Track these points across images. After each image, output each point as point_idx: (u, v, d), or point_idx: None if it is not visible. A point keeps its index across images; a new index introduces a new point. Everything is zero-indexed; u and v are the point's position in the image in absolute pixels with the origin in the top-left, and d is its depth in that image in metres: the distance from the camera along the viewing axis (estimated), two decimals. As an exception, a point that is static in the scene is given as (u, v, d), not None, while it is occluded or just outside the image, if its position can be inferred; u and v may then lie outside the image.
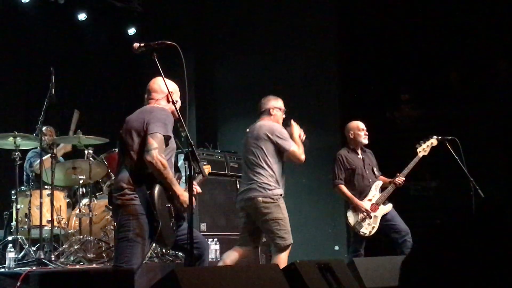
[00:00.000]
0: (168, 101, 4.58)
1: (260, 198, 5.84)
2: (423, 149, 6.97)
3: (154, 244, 6.24)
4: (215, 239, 7.50)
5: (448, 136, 7.07)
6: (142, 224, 4.19)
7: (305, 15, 10.23)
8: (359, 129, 7.15)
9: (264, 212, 5.83)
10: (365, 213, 6.85)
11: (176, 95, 4.67)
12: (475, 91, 8.69)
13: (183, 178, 4.92)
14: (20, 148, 6.68)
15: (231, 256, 5.93)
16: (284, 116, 6.24)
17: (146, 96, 4.72)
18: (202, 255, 4.55)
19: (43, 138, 6.77)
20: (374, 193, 6.98)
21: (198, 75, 11.19)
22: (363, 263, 4.64)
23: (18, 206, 6.75)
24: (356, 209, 6.91)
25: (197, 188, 4.79)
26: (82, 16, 10.13)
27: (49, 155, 6.81)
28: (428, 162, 7.29)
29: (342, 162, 7.14)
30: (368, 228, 6.86)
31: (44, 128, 7.35)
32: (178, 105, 4.56)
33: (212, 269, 3.80)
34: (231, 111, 11.24)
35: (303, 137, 6.12)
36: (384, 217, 6.92)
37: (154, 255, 6.90)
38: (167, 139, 4.33)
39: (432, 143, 6.99)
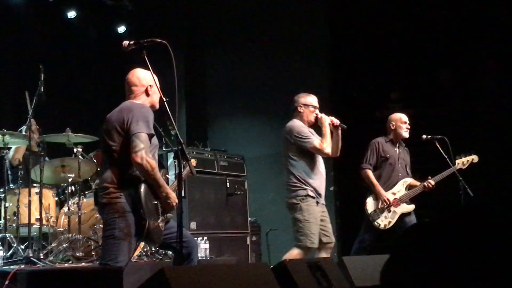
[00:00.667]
0: (148, 95, 4.55)
1: (286, 199, 6.06)
2: (462, 162, 6.93)
3: (143, 243, 6.24)
4: (205, 238, 7.49)
5: (438, 135, 7.09)
6: (128, 222, 4.17)
7: (296, 13, 10.24)
8: (401, 121, 7.04)
9: (290, 212, 6.04)
10: (385, 204, 6.74)
11: (155, 88, 4.55)
12: (465, 90, 8.71)
13: (172, 175, 4.91)
14: (9, 146, 6.65)
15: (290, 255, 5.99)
16: (315, 111, 6.21)
17: (125, 90, 4.67)
18: (190, 253, 4.52)
19: (32, 136, 6.74)
20: (400, 188, 6.90)
21: (188, 73, 11.17)
22: (352, 262, 4.64)
23: (7, 204, 6.71)
24: (377, 198, 6.83)
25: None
26: (72, 14, 10.11)
27: (25, 145, 6.78)
28: (417, 161, 7.31)
29: (377, 148, 7.07)
30: (384, 221, 6.75)
31: (33, 126, 7.33)
32: (157, 97, 4.54)
33: (201, 268, 3.79)
34: (221, 109, 11.24)
35: (337, 122, 6.10)
36: (403, 217, 6.83)
37: (144, 253, 6.89)
38: (150, 137, 4.31)
39: (473, 159, 6.96)
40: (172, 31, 10.74)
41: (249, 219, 8.97)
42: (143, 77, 4.56)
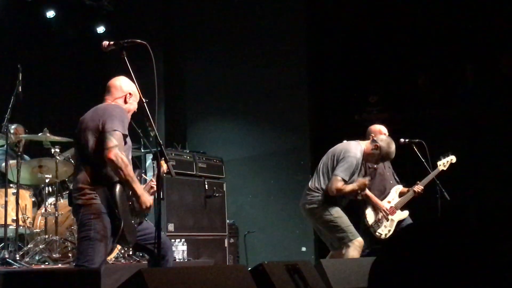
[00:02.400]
0: (126, 102, 4.55)
1: (306, 206, 6.25)
2: (443, 164, 7.00)
3: (119, 246, 6.21)
4: (183, 240, 7.48)
5: (415, 139, 7.14)
6: (103, 223, 4.14)
7: (274, 16, 10.26)
8: (381, 133, 7.00)
9: (314, 218, 6.24)
10: (385, 214, 6.78)
11: (135, 99, 4.60)
12: (442, 94, 8.79)
13: (150, 176, 4.88)
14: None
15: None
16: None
17: (105, 92, 4.66)
18: (165, 255, 4.50)
19: (9, 136, 6.68)
20: (394, 196, 6.95)
21: (167, 75, 11.15)
22: (330, 265, 4.65)
23: (-17, 205, 6.64)
24: (376, 209, 6.85)
25: (154, 187, 4.77)
26: (50, 14, 10.04)
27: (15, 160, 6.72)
28: (395, 164, 7.35)
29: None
30: (385, 230, 6.79)
31: (13, 127, 7.28)
32: (134, 107, 4.57)
33: (179, 270, 3.77)
34: (200, 111, 11.23)
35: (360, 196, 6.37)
36: (400, 224, 6.88)
37: (121, 255, 6.86)
38: (124, 137, 4.29)
39: (451, 159, 7.03)
40: (151, 32, 10.72)
41: (227, 221, 8.97)
42: (126, 84, 4.55)
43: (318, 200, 5.99)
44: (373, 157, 6.20)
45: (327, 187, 6.04)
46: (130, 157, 4.50)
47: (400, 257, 1.91)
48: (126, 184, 4.23)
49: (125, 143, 4.32)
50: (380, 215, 6.80)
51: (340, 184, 5.95)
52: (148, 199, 4.32)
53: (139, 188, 4.32)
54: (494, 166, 8.14)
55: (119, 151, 4.13)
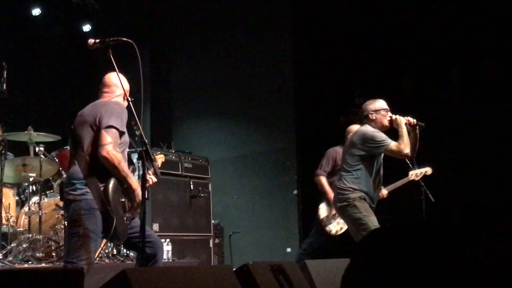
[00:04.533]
0: (124, 99, 4.49)
1: (337, 204, 5.97)
2: (416, 174, 6.86)
3: (104, 245, 6.17)
4: (167, 240, 7.45)
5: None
6: (94, 219, 4.11)
7: (261, 17, 10.27)
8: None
9: (344, 216, 5.96)
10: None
11: (127, 94, 4.57)
12: (427, 97, 8.82)
13: (136, 176, 4.85)
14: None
15: None
16: (388, 114, 5.93)
17: (100, 90, 4.61)
18: (155, 254, 4.47)
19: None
20: None
21: (153, 74, 11.13)
22: (315, 266, 4.66)
23: (-34, 204, 6.58)
24: (330, 204, 6.81)
25: (152, 178, 4.72)
26: (36, 11, 9.98)
27: None
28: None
29: (333, 157, 7.14)
30: (336, 227, 6.80)
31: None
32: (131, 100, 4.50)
33: (164, 270, 3.75)
34: (186, 110, 11.22)
35: (414, 120, 5.85)
36: None
37: (105, 255, 6.82)
38: (121, 134, 4.26)
39: (426, 171, 6.88)
40: (137, 31, 10.69)
41: (212, 221, 8.96)
42: (124, 82, 4.50)
43: (348, 198, 5.89)
44: (381, 125, 5.91)
45: (401, 153, 5.79)
46: (126, 153, 4.47)
47: (375, 261, 1.89)
48: (121, 179, 4.20)
49: (122, 139, 4.29)
50: (333, 211, 6.81)
51: (395, 147, 5.74)
52: (140, 194, 4.25)
53: (134, 181, 4.28)
54: (479, 168, 8.18)
55: (113, 148, 4.10)
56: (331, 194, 6.81)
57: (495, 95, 8.24)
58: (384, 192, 6.90)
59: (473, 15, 8.44)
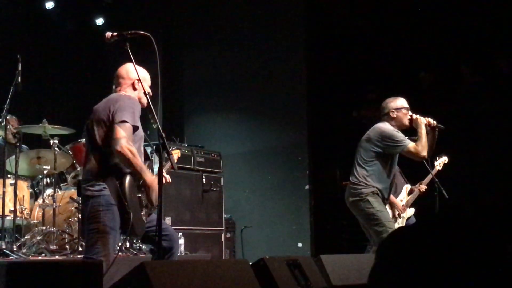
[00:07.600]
0: (135, 89, 4.47)
1: (350, 199, 5.92)
2: (439, 164, 7.28)
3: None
4: (180, 234, 7.46)
5: (414, 136, 7.14)
6: (112, 215, 4.11)
7: (274, 11, 10.26)
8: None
9: (357, 211, 5.92)
10: (401, 212, 6.87)
11: (146, 84, 4.54)
12: (442, 92, 8.79)
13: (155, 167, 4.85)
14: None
15: None
16: (409, 113, 5.88)
17: (114, 83, 4.63)
18: (172, 247, 4.48)
19: (8, 127, 6.67)
20: (404, 195, 7.15)
21: (166, 68, 11.11)
22: (330, 261, 4.65)
23: (-20, 195, 6.62)
24: (392, 206, 6.83)
25: (166, 177, 4.73)
26: (49, 5, 10.00)
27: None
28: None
29: None
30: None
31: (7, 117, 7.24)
32: (149, 94, 4.48)
33: (181, 263, 3.76)
34: (199, 104, 11.22)
35: (434, 122, 5.84)
36: (407, 221, 6.99)
37: (118, 248, 6.83)
38: (135, 129, 4.26)
39: (444, 160, 7.34)
40: (150, 25, 10.66)
41: (224, 216, 8.96)
42: (131, 71, 4.48)
43: (361, 193, 5.85)
44: (401, 123, 5.87)
45: (419, 155, 5.77)
46: (142, 148, 4.47)
47: (396, 260, 1.89)
48: (136, 174, 4.21)
49: (136, 133, 4.29)
50: (396, 212, 6.86)
51: (413, 149, 5.71)
52: (156, 187, 4.25)
53: (149, 176, 4.28)
54: (492, 164, 8.16)
55: (126, 142, 4.09)
56: (393, 197, 6.74)
57: (509, 90, 8.22)
58: (424, 187, 7.16)
59: (487, 10, 8.40)
